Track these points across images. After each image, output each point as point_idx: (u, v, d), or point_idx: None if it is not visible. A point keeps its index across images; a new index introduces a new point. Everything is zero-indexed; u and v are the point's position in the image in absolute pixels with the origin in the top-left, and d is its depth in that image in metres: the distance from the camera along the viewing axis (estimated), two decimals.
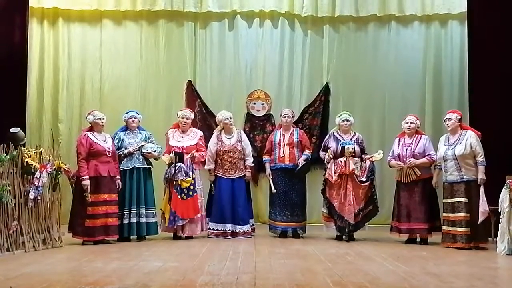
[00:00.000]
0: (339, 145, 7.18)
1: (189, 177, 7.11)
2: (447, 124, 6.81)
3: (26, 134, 7.78)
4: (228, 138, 7.47)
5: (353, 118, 7.52)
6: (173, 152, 7.12)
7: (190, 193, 7.10)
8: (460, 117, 6.82)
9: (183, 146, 7.22)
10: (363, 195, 7.06)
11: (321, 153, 7.42)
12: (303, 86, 9.35)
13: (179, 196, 7.06)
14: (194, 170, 7.21)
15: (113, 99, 9.17)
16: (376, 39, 9.43)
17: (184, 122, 7.38)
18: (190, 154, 7.15)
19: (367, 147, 7.64)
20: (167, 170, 7.19)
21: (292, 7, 9.28)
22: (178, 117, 7.47)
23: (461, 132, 6.73)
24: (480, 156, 6.56)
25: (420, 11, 9.27)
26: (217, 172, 7.39)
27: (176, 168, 7.06)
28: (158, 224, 7.22)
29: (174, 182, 7.09)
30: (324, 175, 7.28)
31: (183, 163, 7.09)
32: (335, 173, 7.07)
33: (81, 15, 9.28)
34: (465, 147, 6.58)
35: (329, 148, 7.26)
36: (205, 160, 7.38)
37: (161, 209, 7.20)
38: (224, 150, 7.39)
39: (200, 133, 7.56)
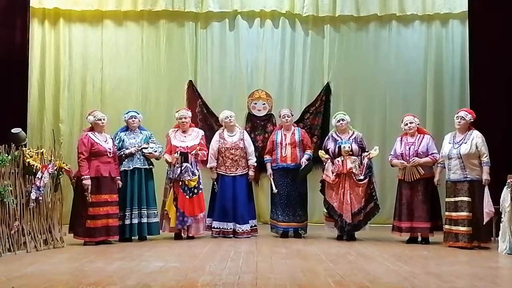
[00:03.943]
0: (336, 146, 7.19)
1: (195, 176, 7.13)
2: (458, 122, 6.72)
3: (28, 134, 7.77)
4: (230, 136, 7.49)
5: (354, 117, 7.56)
6: (179, 152, 7.11)
7: (195, 190, 7.12)
8: (473, 119, 6.73)
9: (187, 146, 7.21)
10: (363, 192, 7.05)
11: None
12: (304, 85, 9.35)
13: (187, 196, 7.07)
14: (198, 168, 7.24)
15: (114, 99, 9.18)
16: (377, 39, 9.43)
17: (183, 122, 7.36)
18: (194, 151, 7.13)
19: (369, 147, 7.61)
20: (169, 170, 7.18)
21: (292, 7, 9.28)
22: (176, 119, 7.47)
23: (467, 132, 6.70)
24: (485, 156, 6.54)
25: (421, 11, 9.26)
26: (219, 170, 7.40)
27: (183, 168, 7.06)
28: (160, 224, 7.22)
29: (180, 183, 7.08)
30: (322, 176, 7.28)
31: (188, 162, 7.09)
32: (332, 173, 7.08)
33: (82, 15, 9.28)
34: (470, 147, 6.56)
35: (328, 149, 7.27)
36: (206, 159, 7.39)
37: (165, 209, 7.16)
38: (226, 147, 7.40)
39: (201, 132, 7.55)
